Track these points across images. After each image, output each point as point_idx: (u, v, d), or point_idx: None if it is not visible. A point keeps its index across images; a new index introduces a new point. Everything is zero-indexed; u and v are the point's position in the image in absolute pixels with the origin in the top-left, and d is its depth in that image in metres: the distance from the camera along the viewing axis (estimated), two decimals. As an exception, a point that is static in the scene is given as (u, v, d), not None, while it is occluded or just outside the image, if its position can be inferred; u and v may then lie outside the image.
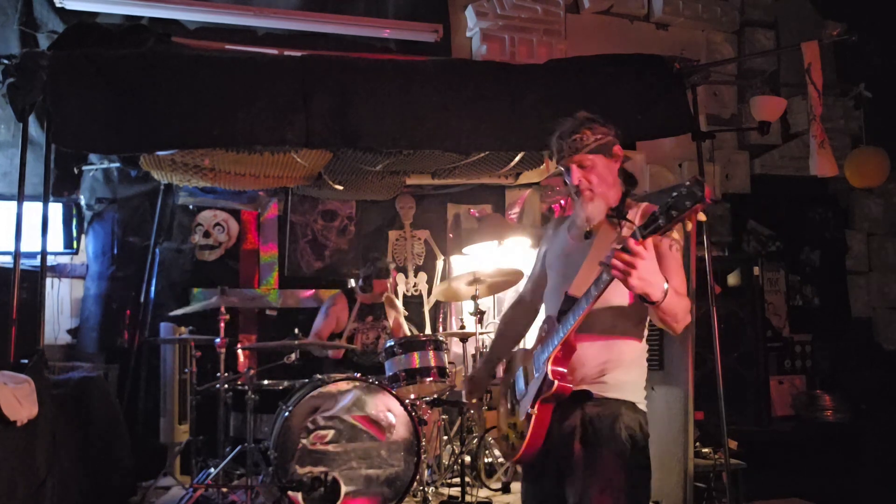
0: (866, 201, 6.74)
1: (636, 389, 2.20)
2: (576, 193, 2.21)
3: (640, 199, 2.33)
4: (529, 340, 2.50)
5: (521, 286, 3.10)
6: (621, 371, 2.16)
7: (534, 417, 2.12)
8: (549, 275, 2.36)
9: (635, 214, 2.18)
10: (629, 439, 2.09)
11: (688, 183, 1.73)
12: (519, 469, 4.64)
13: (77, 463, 3.67)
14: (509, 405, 2.33)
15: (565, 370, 2.10)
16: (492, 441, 4.66)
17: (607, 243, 2.13)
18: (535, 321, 2.55)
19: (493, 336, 2.54)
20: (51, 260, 4.89)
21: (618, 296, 2.11)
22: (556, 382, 2.07)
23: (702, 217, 1.74)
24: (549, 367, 2.09)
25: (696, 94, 3.99)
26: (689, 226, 1.76)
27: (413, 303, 5.67)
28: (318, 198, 5.58)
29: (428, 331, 5.63)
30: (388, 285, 5.03)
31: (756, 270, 5.41)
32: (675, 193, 1.74)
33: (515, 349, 2.50)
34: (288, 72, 3.60)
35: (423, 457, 3.91)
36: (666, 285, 1.90)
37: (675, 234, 2.06)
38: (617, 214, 2.18)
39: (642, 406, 2.19)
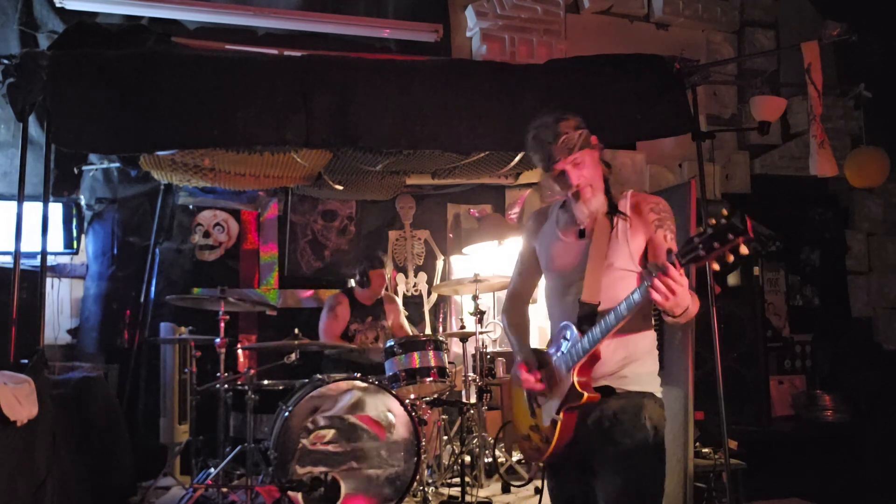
0: (866, 201, 6.74)
1: (654, 379, 2.22)
2: (574, 194, 2.20)
3: None
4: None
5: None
6: (638, 364, 2.19)
7: (559, 423, 2.13)
8: (549, 275, 2.35)
9: (625, 206, 2.21)
10: (653, 429, 2.12)
11: (724, 214, 1.72)
12: (518, 469, 4.66)
13: (77, 463, 3.66)
14: (528, 406, 2.32)
15: (588, 379, 2.11)
16: (492, 440, 4.65)
17: (605, 240, 2.16)
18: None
19: (508, 332, 2.50)
20: (51, 260, 4.89)
21: None
22: (585, 394, 2.08)
23: (744, 250, 1.71)
24: (576, 378, 2.09)
25: (696, 94, 3.98)
26: (731, 258, 1.73)
27: (413, 303, 5.67)
28: (318, 198, 5.58)
29: (428, 331, 5.63)
30: (386, 280, 5.01)
31: (756, 270, 5.41)
32: (713, 224, 1.73)
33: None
34: (288, 72, 3.60)
35: (423, 457, 3.90)
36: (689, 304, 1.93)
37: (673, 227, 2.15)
38: (611, 209, 2.20)
39: (660, 395, 2.21)
